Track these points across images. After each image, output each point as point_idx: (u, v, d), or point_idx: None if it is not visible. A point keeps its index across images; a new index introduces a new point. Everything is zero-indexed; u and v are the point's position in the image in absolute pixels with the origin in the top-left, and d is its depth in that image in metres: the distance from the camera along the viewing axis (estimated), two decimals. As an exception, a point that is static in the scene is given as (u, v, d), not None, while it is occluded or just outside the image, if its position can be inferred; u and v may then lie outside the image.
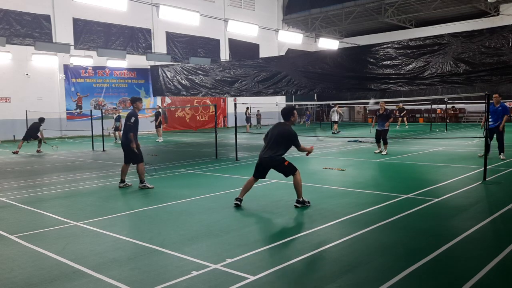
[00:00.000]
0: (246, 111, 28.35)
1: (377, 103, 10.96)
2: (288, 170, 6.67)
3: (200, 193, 7.91)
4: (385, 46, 11.31)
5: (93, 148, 17.41)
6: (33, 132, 16.46)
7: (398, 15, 32.20)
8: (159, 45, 27.98)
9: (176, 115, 30.40)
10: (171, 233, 5.50)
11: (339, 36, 38.30)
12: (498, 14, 30.76)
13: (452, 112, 33.37)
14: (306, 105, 37.19)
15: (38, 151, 16.35)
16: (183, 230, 5.64)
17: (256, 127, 32.33)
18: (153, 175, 9.62)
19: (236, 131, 13.14)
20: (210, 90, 16.37)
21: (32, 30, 22.63)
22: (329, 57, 12.80)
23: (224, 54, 32.03)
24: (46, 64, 23.76)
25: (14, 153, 16.15)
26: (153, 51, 27.25)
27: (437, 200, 7.01)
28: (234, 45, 32.66)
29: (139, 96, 9.16)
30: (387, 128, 13.41)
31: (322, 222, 5.82)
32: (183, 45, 29.37)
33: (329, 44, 34.67)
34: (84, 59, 24.53)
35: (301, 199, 6.68)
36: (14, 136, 21.99)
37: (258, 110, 32.15)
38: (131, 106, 8.95)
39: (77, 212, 6.71)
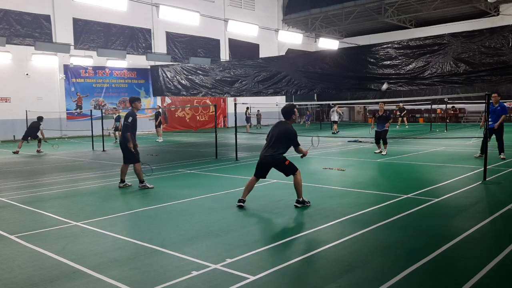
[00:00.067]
0: (246, 111, 28.35)
1: (388, 89, 10.90)
2: (289, 169, 6.67)
3: (200, 193, 7.91)
4: (385, 46, 11.30)
5: (93, 148, 17.42)
6: (32, 131, 16.46)
7: (398, 15, 32.21)
8: (159, 45, 27.98)
9: (176, 115, 30.40)
10: (171, 233, 5.50)
11: (339, 36, 38.30)
12: (498, 14, 30.76)
13: (452, 112, 33.38)
14: (306, 105, 37.19)
15: (38, 151, 16.35)
16: (183, 230, 5.64)
17: (256, 127, 32.34)
18: (150, 175, 9.62)
19: (236, 131, 13.14)
20: (210, 90, 16.36)
21: (32, 30, 22.64)
22: (329, 57, 12.79)
23: (224, 54, 32.03)
24: (46, 64, 23.76)
25: (14, 153, 16.15)
26: (153, 51, 27.25)
27: (437, 200, 7.01)
28: (234, 45, 32.66)
29: (138, 96, 9.14)
30: (387, 128, 13.41)
31: (322, 222, 5.82)
32: (183, 45, 29.38)
33: (329, 44, 34.66)
34: (84, 59, 24.54)
35: (301, 199, 6.68)
36: (14, 136, 22.00)
37: (258, 110, 32.16)
38: (130, 106, 8.95)
39: (77, 212, 6.71)
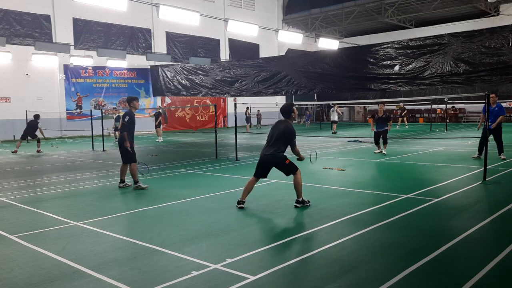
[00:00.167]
0: (246, 111, 28.35)
1: (399, 73, 10.83)
2: (289, 168, 6.67)
3: (200, 193, 7.91)
4: (385, 46, 11.29)
5: (93, 148, 17.42)
6: (31, 130, 16.45)
7: (398, 15, 32.21)
8: (159, 45, 27.98)
9: (176, 115, 30.40)
10: (171, 233, 5.49)
11: (339, 36, 38.30)
12: (498, 14, 30.76)
13: (452, 112, 33.38)
14: (306, 105, 37.19)
15: (38, 151, 16.34)
16: (183, 230, 5.64)
17: (256, 127, 32.33)
18: (146, 175, 9.62)
19: (236, 131, 13.14)
20: (210, 90, 16.35)
21: (32, 30, 22.64)
22: (329, 57, 12.78)
23: (224, 54, 32.03)
24: (46, 64, 23.76)
25: (13, 152, 16.16)
26: (153, 51, 27.26)
27: (437, 200, 7.01)
28: (234, 45, 32.66)
29: (136, 96, 9.13)
30: (387, 129, 13.39)
31: (322, 222, 5.82)
32: (183, 45, 29.38)
33: (329, 44, 34.67)
34: (84, 59, 24.54)
35: (301, 199, 6.68)
36: (14, 136, 21.99)
37: (258, 110, 32.16)
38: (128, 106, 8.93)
39: (77, 212, 6.71)
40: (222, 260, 4.39)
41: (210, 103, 29.75)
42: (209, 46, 31.10)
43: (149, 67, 22.89)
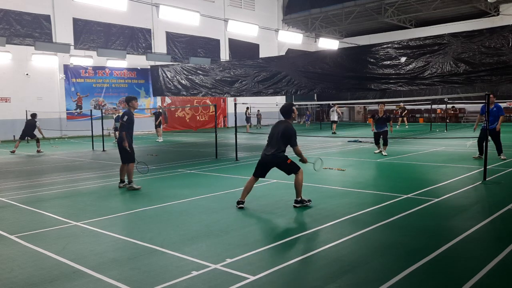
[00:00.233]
0: (246, 111, 28.35)
1: (407, 64, 10.78)
2: (291, 168, 6.67)
3: (200, 193, 7.91)
4: (385, 46, 11.29)
5: (93, 148, 17.42)
6: (29, 130, 16.43)
7: (398, 15, 32.20)
8: (159, 45, 27.98)
9: (176, 115, 30.40)
10: (171, 233, 5.49)
11: (339, 36, 38.30)
12: (498, 14, 30.75)
13: (452, 112, 33.38)
14: (306, 105, 37.19)
15: (38, 151, 16.34)
16: (183, 230, 5.64)
17: (256, 127, 32.33)
18: (144, 174, 9.61)
19: (236, 131, 13.14)
20: (210, 90, 16.35)
21: (32, 30, 22.64)
22: (329, 57, 12.78)
23: (224, 54, 32.03)
24: (46, 64, 23.76)
25: (11, 152, 16.17)
26: (153, 51, 27.26)
27: (437, 200, 7.01)
28: (234, 45, 32.66)
29: (134, 95, 9.12)
30: (387, 129, 13.37)
31: (322, 222, 5.82)
32: (183, 45, 29.38)
33: (329, 44, 34.67)
34: (84, 59, 24.54)
35: (299, 198, 6.67)
36: (14, 136, 21.97)
37: (258, 110, 32.15)
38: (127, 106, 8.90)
39: (77, 212, 6.71)
40: (222, 260, 4.39)
41: (210, 103, 29.75)
42: (209, 46, 31.11)
43: (149, 67, 22.92)
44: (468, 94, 24.65)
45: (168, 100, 29.19)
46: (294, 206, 6.65)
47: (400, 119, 30.24)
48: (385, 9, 31.11)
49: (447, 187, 8.15)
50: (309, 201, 6.75)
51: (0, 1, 21.40)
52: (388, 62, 11.16)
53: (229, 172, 10.54)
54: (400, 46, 11.01)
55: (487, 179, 8.51)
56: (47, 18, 23.15)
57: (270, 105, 30.62)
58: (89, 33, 24.86)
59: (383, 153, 13.21)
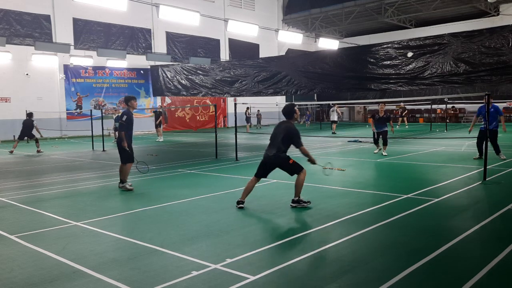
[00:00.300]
0: (246, 111, 28.36)
1: (413, 58, 10.74)
2: (293, 168, 6.65)
3: (200, 193, 7.91)
4: (385, 46, 11.30)
5: (93, 148, 17.42)
6: (28, 130, 16.41)
7: (398, 15, 32.20)
8: (159, 45, 27.98)
9: (176, 115, 30.40)
10: (171, 233, 5.49)
11: (339, 36, 38.30)
12: (498, 14, 30.75)
13: (452, 112, 33.39)
14: (306, 105, 37.19)
15: (38, 151, 16.34)
16: (183, 230, 5.64)
17: (256, 127, 32.33)
18: (144, 173, 9.60)
19: (236, 131, 13.14)
20: (210, 90, 16.36)
21: (32, 30, 22.64)
22: (329, 57, 12.79)
23: (224, 54, 32.03)
24: (46, 64, 23.76)
25: (10, 152, 16.18)
26: (153, 51, 27.26)
27: (437, 200, 7.01)
28: (234, 45, 32.66)
29: (133, 95, 9.11)
30: (387, 129, 13.36)
31: (322, 222, 5.82)
32: (183, 45, 29.38)
33: (329, 44, 34.67)
34: (84, 59, 24.53)
35: (297, 198, 6.66)
36: (14, 136, 21.92)
37: (258, 110, 32.15)
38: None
39: (77, 212, 6.71)
40: (222, 260, 4.39)
41: (210, 103, 29.75)
42: (209, 46, 31.10)
43: (149, 67, 22.92)
44: (468, 94, 24.66)
45: (168, 100, 29.19)
46: (291, 206, 6.64)
47: (400, 119, 30.24)
48: (385, 9, 31.11)
49: (447, 187, 8.14)
50: (308, 202, 6.69)
51: (0, 1, 21.40)
52: (388, 62, 11.16)
53: (229, 172, 10.54)
54: (400, 46, 11.01)
55: (487, 179, 8.51)
56: (47, 18, 23.15)
57: (270, 105, 30.62)
58: (89, 33, 24.86)
59: (383, 153, 13.20)
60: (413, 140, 18.64)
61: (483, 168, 8.70)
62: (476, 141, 11.69)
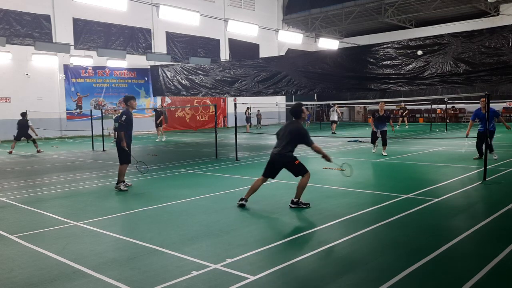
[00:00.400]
0: (246, 111, 28.35)
1: (422, 55, 10.69)
2: (298, 169, 6.65)
3: (200, 193, 7.91)
4: (385, 46, 11.30)
5: (93, 148, 17.42)
6: (24, 130, 16.37)
7: (398, 15, 32.20)
8: (159, 45, 27.97)
9: (176, 115, 30.40)
10: (171, 233, 5.49)
11: (339, 36, 38.29)
12: (498, 14, 30.75)
13: (452, 112, 33.38)
14: (306, 105, 37.16)
15: (38, 151, 16.34)
16: (183, 230, 5.64)
17: (256, 127, 32.33)
18: (144, 173, 9.59)
19: (236, 131, 13.14)
20: (210, 90, 16.36)
21: (32, 30, 22.63)
22: (329, 57, 12.79)
23: (224, 54, 32.03)
24: (46, 64, 23.75)
25: (9, 153, 16.18)
26: (153, 51, 27.25)
27: (437, 200, 7.01)
28: (234, 45, 32.65)
29: (133, 95, 9.10)
30: (386, 129, 13.35)
31: (322, 222, 5.82)
32: (183, 45, 29.37)
33: (329, 44, 34.66)
34: (84, 59, 24.53)
35: (297, 199, 6.65)
36: (14, 136, 21.96)
37: (258, 110, 32.15)
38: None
39: (77, 212, 6.71)
40: (222, 260, 4.39)
41: (210, 103, 29.74)
42: (209, 46, 31.10)
43: (149, 67, 22.91)
44: (468, 94, 24.67)
45: (168, 100, 29.19)
46: (290, 207, 6.64)
47: (400, 119, 30.23)
48: (385, 9, 31.10)
49: (447, 187, 8.14)
50: (307, 204, 6.65)
51: (0, 1, 21.39)
52: (388, 62, 11.17)
53: (229, 172, 10.54)
54: (400, 46, 11.02)
55: (487, 179, 8.51)
56: (47, 18, 23.14)
57: (270, 105, 30.62)
58: (89, 33, 24.85)
59: (383, 153, 13.20)
60: (413, 140, 18.64)
61: (483, 168, 8.70)
62: (476, 141, 11.68)
